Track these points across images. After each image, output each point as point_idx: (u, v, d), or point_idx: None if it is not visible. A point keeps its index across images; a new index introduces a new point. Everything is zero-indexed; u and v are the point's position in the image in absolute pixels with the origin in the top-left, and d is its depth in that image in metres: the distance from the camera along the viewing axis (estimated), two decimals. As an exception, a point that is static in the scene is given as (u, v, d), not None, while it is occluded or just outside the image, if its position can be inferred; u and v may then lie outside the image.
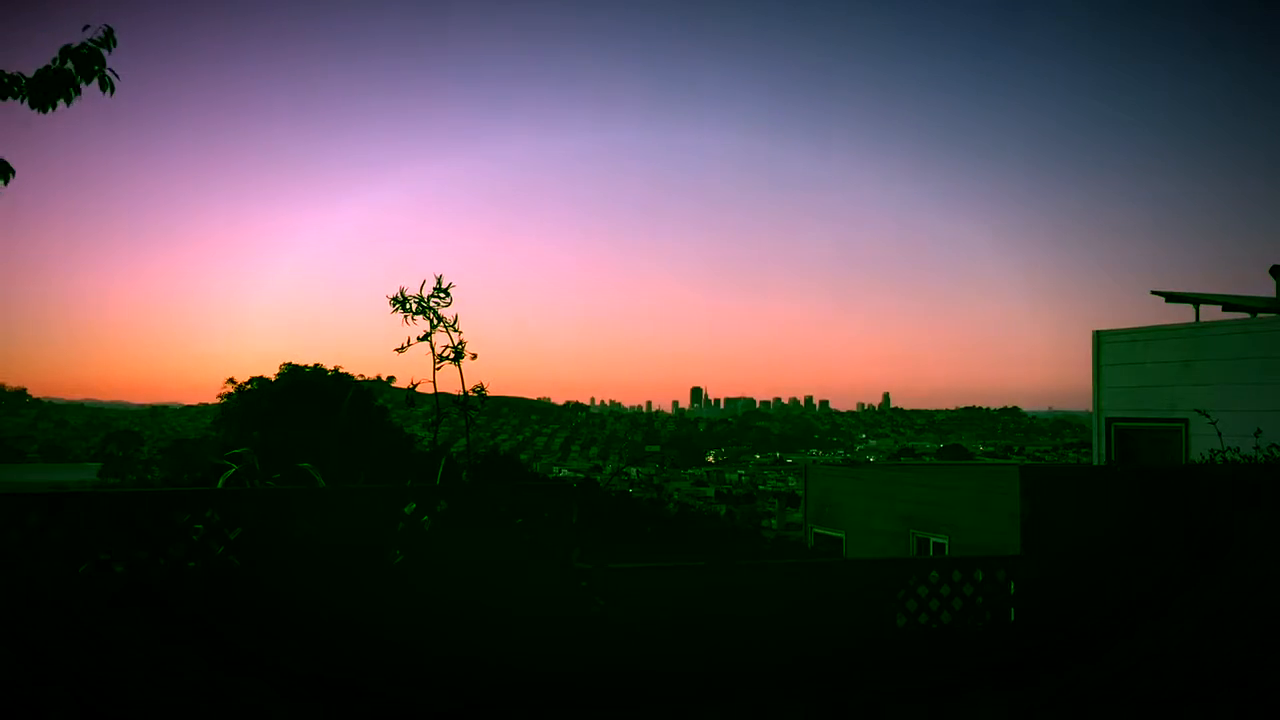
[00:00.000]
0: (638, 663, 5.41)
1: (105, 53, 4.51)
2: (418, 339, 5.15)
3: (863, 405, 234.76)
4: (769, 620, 5.86)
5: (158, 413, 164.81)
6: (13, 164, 4.56)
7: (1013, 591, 6.27)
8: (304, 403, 31.28)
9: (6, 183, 4.59)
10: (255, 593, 4.47)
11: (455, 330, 5.18)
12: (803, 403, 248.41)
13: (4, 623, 4.21)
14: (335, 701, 4.48)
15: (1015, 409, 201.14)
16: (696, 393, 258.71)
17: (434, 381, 5.19)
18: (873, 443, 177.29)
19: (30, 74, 4.52)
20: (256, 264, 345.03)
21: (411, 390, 5.21)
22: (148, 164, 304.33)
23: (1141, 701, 5.80)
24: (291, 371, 33.80)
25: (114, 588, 4.39)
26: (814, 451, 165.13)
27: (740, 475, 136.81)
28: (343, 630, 4.54)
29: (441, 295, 5.18)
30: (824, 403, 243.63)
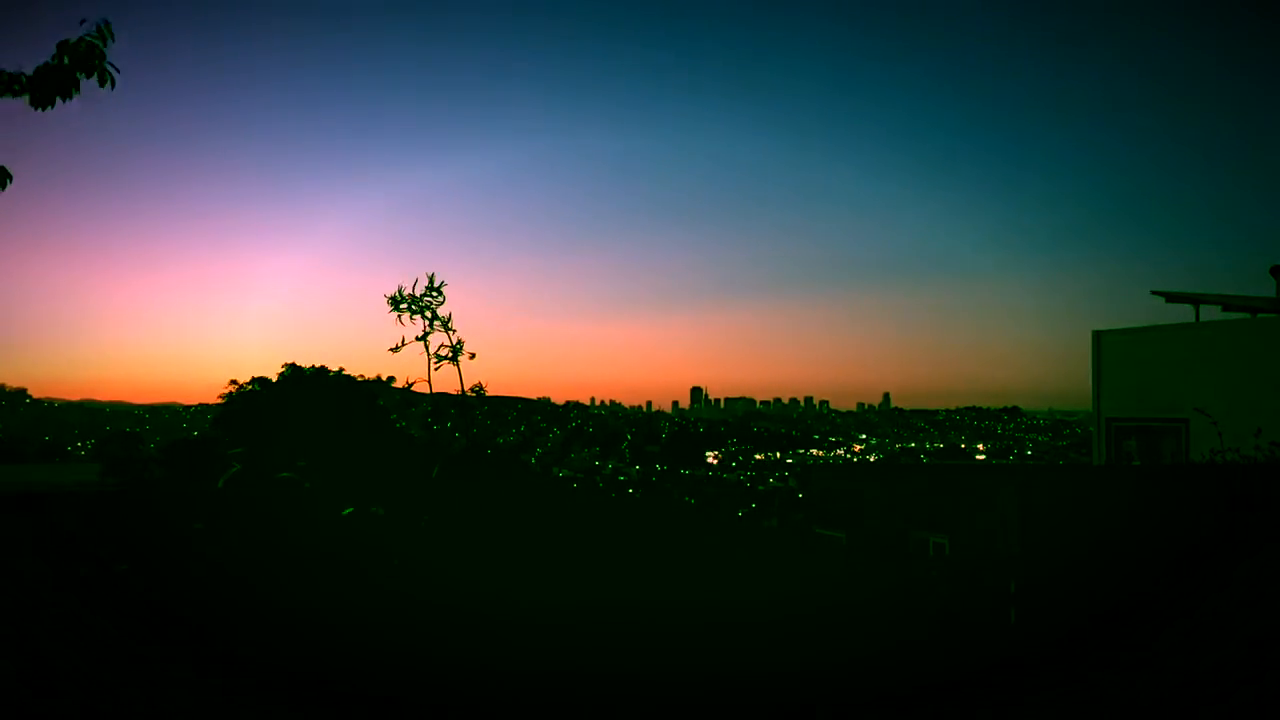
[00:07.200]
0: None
1: (103, 47, 4.49)
2: (416, 339, 5.12)
3: (863, 405, 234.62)
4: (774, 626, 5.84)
5: (158, 413, 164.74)
6: (14, 164, 4.54)
7: (1012, 591, 6.26)
8: (305, 403, 31.26)
9: (4, 188, 4.57)
10: (242, 591, 4.46)
11: (451, 330, 5.17)
12: (803, 403, 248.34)
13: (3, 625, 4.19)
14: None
15: (1015, 409, 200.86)
16: (696, 393, 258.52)
17: (429, 381, 5.17)
18: (872, 442, 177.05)
19: (30, 71, 4.49)
20: (257, 264, 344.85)
21: (406, 390, 5.19)
22: (148, 164, 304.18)
23: (1143, 701, 5.77)
24: (293, 371, 33.78)
25: (113, 588, 4.37)
26: (814, 451, 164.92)
27: (740, 475, 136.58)
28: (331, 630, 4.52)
29: (435, 294, 5.17)
30: (824, 403, 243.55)
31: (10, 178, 4.48)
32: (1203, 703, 5.61)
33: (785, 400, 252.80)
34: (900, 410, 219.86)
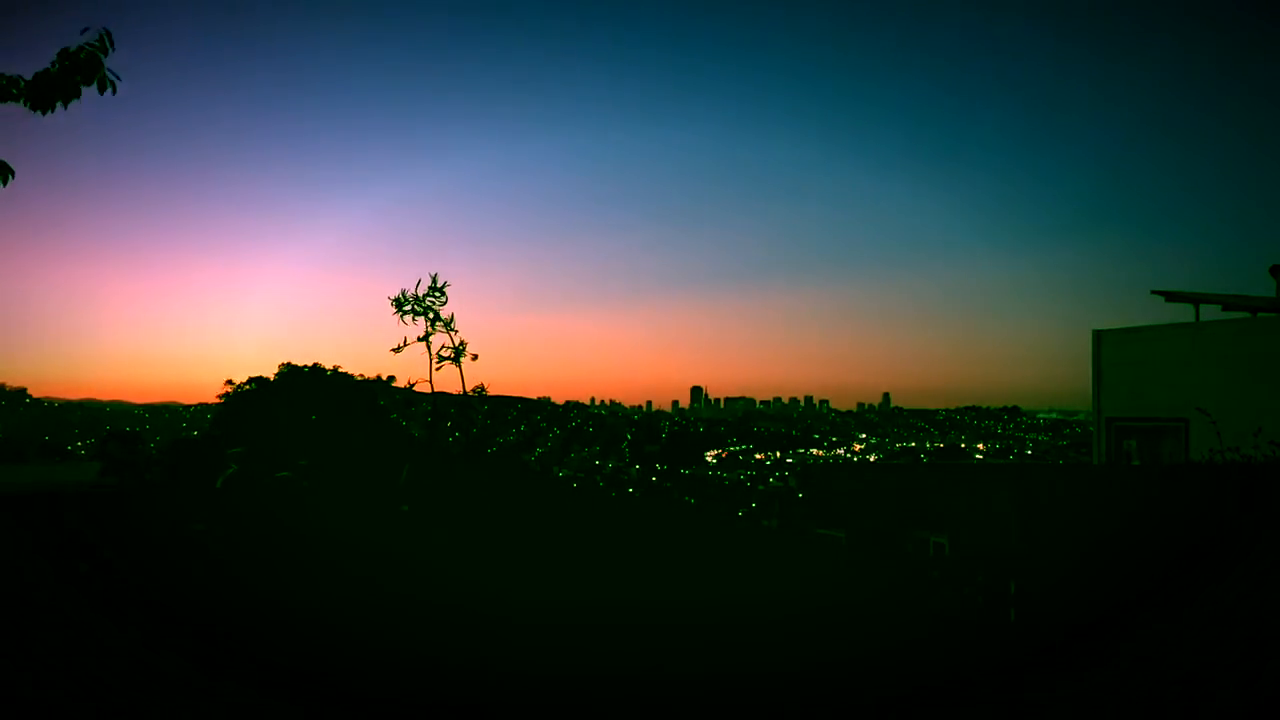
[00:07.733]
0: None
1: (103, 56, 4.52)
2: (418, 339, 5.13)
3: (863, 405, 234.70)
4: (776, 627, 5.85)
5: (158, 413, 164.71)
6: (13, 164, 4.56)
7: (1012, 591, 6.27)
8: (304, 402, 31.32)
9: (6, 183, 4.60)
10: (242, 590, 4.46)
11: (453, 330, 5.17)
12: (803, 403, 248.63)
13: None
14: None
15: (1015, 408, 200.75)
16: (696, 392, 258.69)
17: (431, 381, 5.18)
18: (872, 442, 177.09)
19: (29, 76, 4.52)
20: (256, 265, 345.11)
21: (408, 389, 5.20)
22: (148, 166, 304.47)
23: (1143, 702, 5.78)
24: (290, 371, 33.84)
25: (112, 587, 4.37)
26: (814, 451, 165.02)
27: (740, 475, 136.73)
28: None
29: (437, 294, 5.18)
30: (824, 402, 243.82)
31: (12, 173, 4.51)
32: (1202, 702, 5.61)
33: (785, 400, 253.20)
34: (900, 410, 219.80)
